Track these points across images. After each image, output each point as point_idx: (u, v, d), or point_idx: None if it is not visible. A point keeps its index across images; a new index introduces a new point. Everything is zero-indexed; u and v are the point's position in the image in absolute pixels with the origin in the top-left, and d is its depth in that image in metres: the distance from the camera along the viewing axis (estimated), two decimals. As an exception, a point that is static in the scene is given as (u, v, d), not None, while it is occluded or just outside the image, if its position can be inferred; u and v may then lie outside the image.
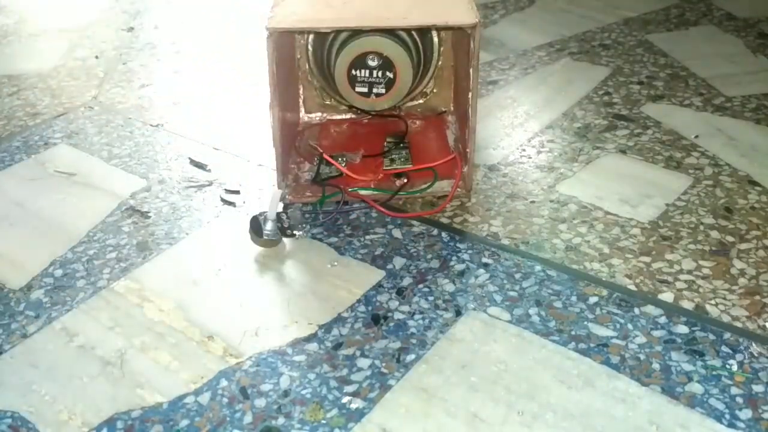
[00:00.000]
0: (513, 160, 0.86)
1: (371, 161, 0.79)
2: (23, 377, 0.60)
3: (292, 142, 0.81)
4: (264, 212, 0.71)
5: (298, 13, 0.73)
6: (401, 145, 0.80)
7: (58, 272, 0.71)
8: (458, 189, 0.78)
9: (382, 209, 0.75)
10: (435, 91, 0.87)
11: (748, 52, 1.10)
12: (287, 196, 0.76)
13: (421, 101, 0.87)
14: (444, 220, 0.76)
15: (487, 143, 0.90)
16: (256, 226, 0.71)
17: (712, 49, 1.12)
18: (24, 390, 0.58)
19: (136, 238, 0.75)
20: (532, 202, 0.79)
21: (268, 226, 0.71)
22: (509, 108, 0.98)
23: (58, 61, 1.16)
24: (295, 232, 0.72)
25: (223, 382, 0.58)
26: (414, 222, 0.76)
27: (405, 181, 0.78)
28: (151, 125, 0.97)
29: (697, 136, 0.89)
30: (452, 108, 0.87)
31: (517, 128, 0.93)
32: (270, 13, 0.72)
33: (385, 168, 0.79)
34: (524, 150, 0.88)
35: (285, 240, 0.73)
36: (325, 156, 0.78)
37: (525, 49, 1.14)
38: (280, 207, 0.72)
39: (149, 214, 0.79)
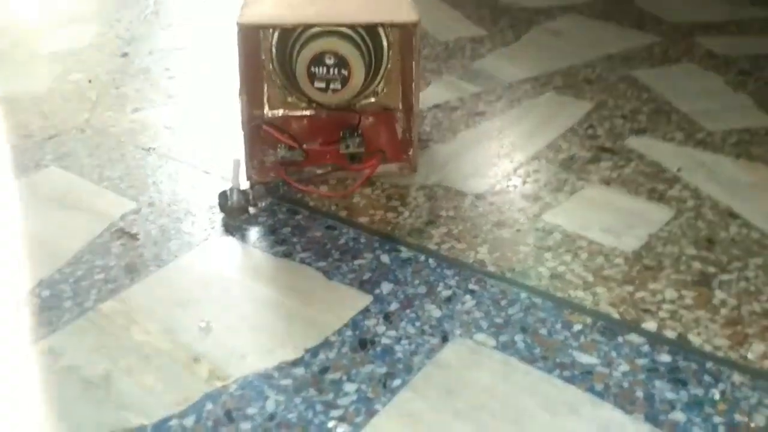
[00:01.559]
0: (500, 189, 0.88)
1: (329, 148, 0.90)
2: (8, 398, 0.59)
3: (258, 133, 0.90)
4: (231, 187, 0.81)
5: (263, 13, 0.85)
6: (355, 133, 0.90)
7: (45, 293, 0.71)
8: (404, 170, 0.89)
9: (303, 188, 0.85)
10: (385, 90, 0.97)
11: (728, 89, 1.13)
12: (253, 176, 0.86)
13: (372, 99, 0.97)
14: (432, 247, 0.77)
15: (474, 172, 0.91)
16: (223, 199, 0.81)
17: (694, 85, 1.15)
18: (9, 411, 0.58)
19: (125, 260, 0.75)
20: (518, 230, 0.80)
21: (234, 196, 0.80)
22: (496, 138, 0.99)
23: (51, 84, 1.17)
24: (258, 203, 0.82)
25: (209, 405, 0.58)
26: (402, 248, 0.77)
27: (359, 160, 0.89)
28: (143, 149, 0.97)
29: (679, 169, 0.91)
30: (400, 106, 0.98)
31: (504, 158, 0.94)
32: (240, 12, 0.84)
33: (341, 152, 0.87)
34: (510, 179, 0.90)
35: (273, 263, 0.74)
36: (283, 140, 0.88)
37: (511, 82, 1.16)
38: (247, 185, 0.84)
39: (138, 236, 0.79)
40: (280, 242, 0.78)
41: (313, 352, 0.63)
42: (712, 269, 0.74)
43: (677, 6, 1.50)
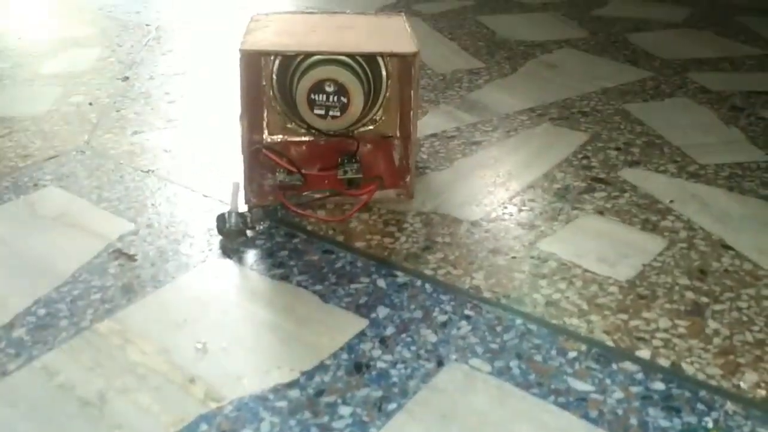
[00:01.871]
0: (495, 216, 0.89)
1: (327, 173, 0.91)
2: (1, 416, 0.59)
3: (258, 157, 0.91)
4: (229, 210, 0.81)
5: (266, 40, 0.86)
6: (353, 159, 0.91)
7: (41, 311, 0.71)
8: (400, 196, 0.90)
9: (301, 212, 0.86)
10: (383, 118, 0.98)
11: (721, 124, 1.16)
12: (252, 200, 0.87)
13: (371, 127, 0.98)
14: (428, 272, 0.77)
15: (470, 200, 0.92)
16: (221, 221, 0.81)
17: (686, 119, 1.17)
18: (2, 429, 0.58)
19: (122, 280, 0.75)
20: (513, 257, 0.81)
21: (233, 219, 0.80)
22: (492, 167, 1.01)
23: (52, 106, 1.18)
24: (256, 226, 0.82)
25: (204, 426, 0.58)
26: (398, 272, 0.77)
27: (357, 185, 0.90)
28: (142, 171, 0.98)
29: (672, 201, 0.93)
30: (398, 133, 0.99)
31: (500, 187, 0.96)
32: (243, 39, 0.85)
33: (339, 177, 0.89)
34: (506, 207, 0.91)
35: (270, 286, 0.75)
36: (282, 164, 0.88)
37: (507, 113, 1.18)
38: (245, 208, 0.86)
39: (136, 257, 0.79)
40: (278, 265, 0.78)
41: (309, 374, 0.63)
42: (704, 299, 0.74)
43: (670, 43, 1.54)
